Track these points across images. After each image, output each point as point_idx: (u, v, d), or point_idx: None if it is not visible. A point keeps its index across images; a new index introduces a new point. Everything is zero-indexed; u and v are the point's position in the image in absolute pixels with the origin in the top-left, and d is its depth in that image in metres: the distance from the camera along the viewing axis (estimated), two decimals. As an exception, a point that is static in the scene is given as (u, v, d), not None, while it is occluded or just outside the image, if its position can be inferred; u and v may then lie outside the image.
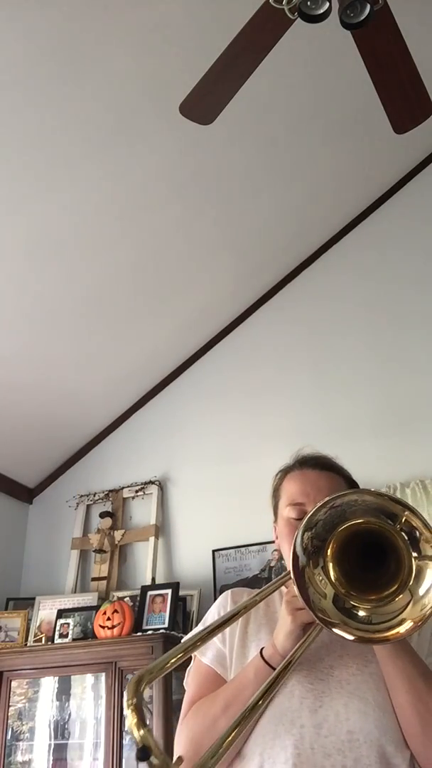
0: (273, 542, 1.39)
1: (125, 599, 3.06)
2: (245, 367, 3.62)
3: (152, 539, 3.33)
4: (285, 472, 1.26)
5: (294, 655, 1.04)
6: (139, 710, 0.71)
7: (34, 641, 3.06)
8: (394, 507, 0.94)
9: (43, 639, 3.04)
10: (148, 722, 2.49)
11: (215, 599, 1.28)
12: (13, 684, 2.94)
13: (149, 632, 2.83)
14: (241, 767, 1.04)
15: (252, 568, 3.08)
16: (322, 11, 1.65)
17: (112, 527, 3.47)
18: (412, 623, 0.90)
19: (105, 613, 2.90)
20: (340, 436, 3.00)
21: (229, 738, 0.89)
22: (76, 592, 3.35)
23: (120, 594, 3.17)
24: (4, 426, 3.37)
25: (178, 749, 1.08)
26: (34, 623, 3.15)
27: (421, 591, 0.91)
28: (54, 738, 2.83)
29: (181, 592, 3.04)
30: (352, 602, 0.95)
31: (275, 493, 1.27)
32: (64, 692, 2.91)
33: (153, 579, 3.20)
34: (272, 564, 3.03)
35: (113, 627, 2.84)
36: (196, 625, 1.27)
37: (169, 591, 2.98)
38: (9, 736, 2.85)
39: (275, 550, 2.98)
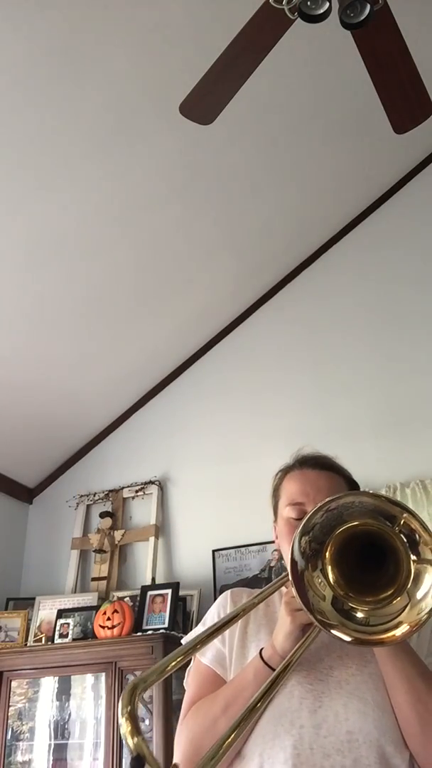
0: (273, 542, 1.39)
1: (125, 599, 3.06)
2: (245, 367, 3.62)
3: (152, 539, 3.33)
4: (285, 471, 1.26)
5: (293, 656, 1.03)
6: (133, 718, 0.71)
7: (34, 641, 3.06)
8: (392, 509, 0.94)
9: (43, 639, 3.04)
10: (148, 722, 2.48)
11: (215, 599, 1.28)
12: (13, 684, 2.94)
13: (149, 632, 2.83)
14: (241, 767, 1.04)
15: (252, 568, 3.08)
16: (322, 11, 1.65)
17: (112, 527, 3.48)
18: (408, 627, 0.90)
19: (105, 613, 2.90)
20: (340, 435, 3.00)
21: (229, 739, 0.89)
22: (76, 592, 3.35)
23: (120, 594, 3.17)
24: (4, 426, 3.37)
25: (178, 749, 1.08)
26: (34, 623, 3.15)
27: (419, 594, 0.90)
28: (54, 738, 2.83)
29: (181, 592, 3.04)
30: (350, 604, 0.95)
31: (275, 492, 1.27)
32: (64, 692, 2.91)
33: (153, 579, 3.20)
34: (272, 564, 3.03)
35: (113, 627, 2.84)
36: (196, 625, 1.27)
37: (169, 591, 2.98)
38: (9, 736, 2.85)
39: (275, 550, 2.98)
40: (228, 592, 1.26)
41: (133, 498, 3.54)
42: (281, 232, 3.51)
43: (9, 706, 2.89)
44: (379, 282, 3.50)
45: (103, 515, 3.50)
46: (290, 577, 0.94)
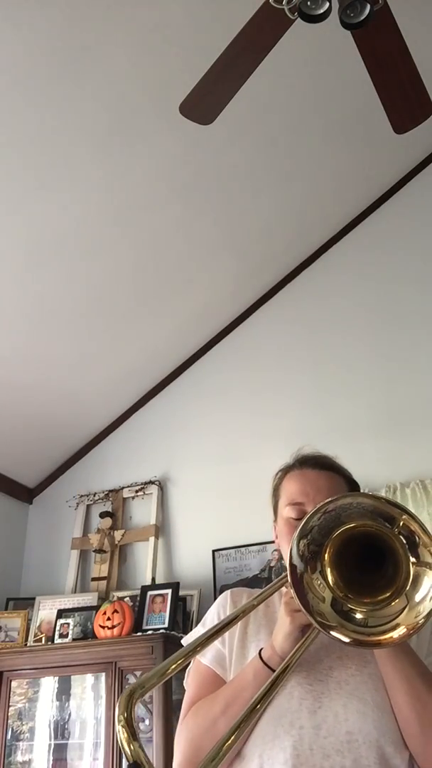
0: (273, 542, 1.39)
1: (125, 599, 3.06)
2: (245, 367, 3.62)
3: (152, 539, 3.33)
4: (285, 471, 1.26)
5: (293, 657, 1.03)
6: (130, 725, 0.71)
7: (34, 641, 3.06)
8: (391, 510, 0.93)
9: (43, 639, 3.04)
10: (148, 722, 2.47)
11: (215, 599, 1.28)
12: (13, 684, 2.94)
13: (149, 632, 2.83)
14: (241, 768, 1.04)
15: (252, 568, 3.08)
16: (322, 11, 1.65)
17: (112, 527, 3.47)
18: (405, 630, 0.90)
19: (105, 613, 2.90)
20: (340, 435, 2.99)
21: (229, 741, 0.89)
22: (76, 592, 3.35)
23: (120, 594, 3.17)
24: (4, 426, 3.37)
25: (178, 750, 1.08)
26: (34, 623, 3.15)
27: (417, 597, 0.90)
28: (54, 738, 2.83)
29: (181, 592, 3.04)
30: (350, 605, 0.94)
31: (275, 492, 1.27)
32: (64, 692, 2.91)
33: (153, 579, 3.20)
34: (272, 564, 3.03)
35: (113, 627, 2.84)
36: (196, 625, 1.27)
37: (169, 591, 2.98)
38: (9, 736, 2.85)
39: (275, 550, 2.98)
40: (228, 592, 1.26)
41: (133, 498, 3.54)
42: (281, 232, 3.50)
43: (9, 706, 2.89)
44: (379, 282, 3.50)
45: (103, 515, 3.50)
46: (289, 580, 0.94)
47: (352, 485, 1.25)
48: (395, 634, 0.90)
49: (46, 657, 2.91)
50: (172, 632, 2.80)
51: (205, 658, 1.17)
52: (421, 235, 3.50)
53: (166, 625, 2.85)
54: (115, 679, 2.73)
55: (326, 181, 3.38)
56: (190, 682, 1.18)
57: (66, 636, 2.95)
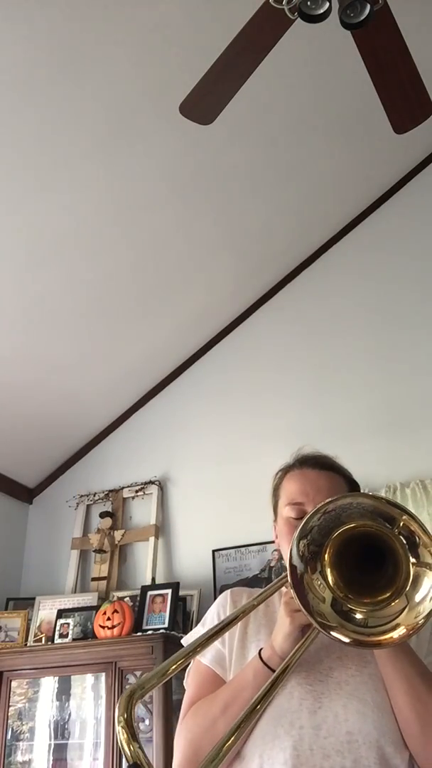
0: (273, 542, 1.39)
1: (125, 599, 3.06)
2: (245, 367, 3.62)
3: (152, 539, 3.33)
4: (285, 471, 1.26)
5: (293, 657, 1.03)
6: (130, 726, 0.71)
7: (34, 641, 3.06)
8: (391, 510, 0.93)
9: (43, 639, 3.04)
10: (148, 722, 2.47)
11: (215, 599, 1.28)
12: (13, 684, 2.94)
13: (149, 632, 2.83)
14: (241, 768, 1.04)
15: (252, 568, 3.08)
16: (322, 11, 1.65)
17: (112, 527, 3.47)
18: (405, 630, 0.90)
19: (105, 613, 2.90)
20: (340, 435, 2.99)
21: (229, 741, 0.89)
22: (76, 592, 3.35)
23: (120, 594, 3.17)
24: (4, 426, 3.37)
25: (177, 750, 1.08)
26: (34, 623, 3.15)
27: (417, 598, 0.90)
28: (54, 738, 2.83)
29: (181, 592, 3.04)
30: (350, 605, 0.94)
31: (275, 492, 1.26)
32: (64, 692, 2.91)
33: (153, 579, 3.20)
34: (272, 564, 3.03)
35: (113, 627, 2.84)
36: (196, 625, 1.27)
37: (169, 591, 2.98)
38: (9, 736, 2.85)
39: (275, 550, 2.98)
40: (228, 592, 1.25)
41: (133, 498, 3.54)
42: (281, 232, 3.50)
43: (9, 706, 2.89)
44: (379, 282, 3.50)
45: (103, 515, 3.50)
46: (289, 581, 0.94)
47: (352, 485, 1.25)
48: (395, 634, 0.90)
49: (46, 657, 2.91)
50: (172, 632, 2.80)
51: (205, 658, 1.17)
52: (421, 235, 3.50)
53: (166, 625, 2.85)
54: (115, 679, 2.73)
55: (326, 181, 3.38)
56: (189, 682, 1.18)
57: (66, 636, 2.95)
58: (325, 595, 0.95)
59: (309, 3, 1.65)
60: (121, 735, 0.70)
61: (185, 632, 2.68)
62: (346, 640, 0.92)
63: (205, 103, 1.99)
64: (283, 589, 1.12)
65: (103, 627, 2.87)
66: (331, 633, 0.92)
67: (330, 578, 0.96)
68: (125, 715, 0.72)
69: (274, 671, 1.03)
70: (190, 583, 3.12)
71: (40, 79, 2.27)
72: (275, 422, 3.32)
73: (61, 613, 3.09)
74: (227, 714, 1.03)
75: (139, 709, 2.67)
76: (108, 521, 3.48)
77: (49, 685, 2.95)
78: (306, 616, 0.94)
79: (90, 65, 2.33)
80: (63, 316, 3.11)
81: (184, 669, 1.20)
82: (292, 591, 0.94)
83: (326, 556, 0.96)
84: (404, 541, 0.92)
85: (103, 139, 2.56)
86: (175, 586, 3.01)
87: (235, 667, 1.13)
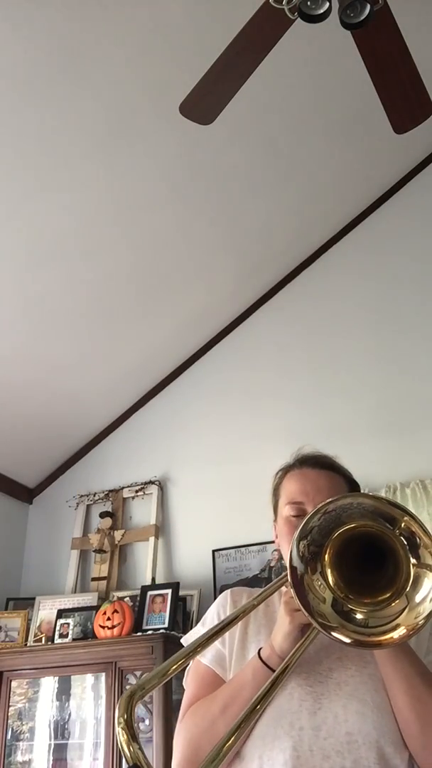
0: (273, 542, 1.39)
1: (125, 599, 3.06)
2: (245, 368, 3.62)
3: (152, 539, 3.33)
4: (285, 470, 1.26)
5: (293, 657, 1.03)
6: (130, 727, 0.71)
7: (34, 641, 3.06)
8: (392, 511, 0.93)
9: (43, 639, 3.04)
10: (147, 722, 2.47)
11: (215, 599, 1.28)
12: (13, 684, 2.94)
13: (149, 632, 2.83)
14: (240, 769, 1.03)
15: (252, 568, 3.08)
16: (322, 11, 1.65)
17: (112, 527, 3.47)
18: (405, 630, 0.90)
19: (105, 613, 2.90)
20: (340, 436, 2.99)
21: (229, 742, 0.89)
22: (76, 592, 3.35)
23: (120, 594, 3.17)
24: (4, 426, 3.37)
25: (177, 750, 1.08)
26: (34, 623, 3.15)
27: (418, 598, 0.90)
28: (54, 738, 2.83)
29: (181, 592, 3.04)
30: (350, 605, 0.94)
31: (275, 491, 1.26)
32: (64, 692, 2.91)
33: (153, 579, 3.20)
34: (272, 564, 3.03)
35: (113, 627, 2.84)
36: (196, 625, 1.27)
37: (169, 591, 2.98)
38: (9, 736, 2.85)
39: (275, 550, 2.98)
40: (228, 592, 1.25)
41: (133, 498, 3.54)
42: (281, 232, 3.50)
43: (9, 706, 2.89)
44: (379, 282, 3.50)
45: (103, 515, 3.50)
46: (290, 581, 0.94)
47: (353, 485, 1.25)
48: (395, 634, 0.90)
49: (46, 657, 2.91)
50: (172, 632, 2.80)
51: (205, 658, 1.17)
52: (421, 235, 3.50)
53: (166, 625, 2.85)
54: (115, 679, 2.73)
55: (326, 181, 3.38)
56: (189, 682, 1.18)
57: (66, 636, 2.95)
58: (326, 595, 0.95)
59: (309, 3, 1.65)
60: (121, 736, 0.70)
61: (185, 632, 2.67)
62: (347, 640, 0.92)
63: (205, 103, 1.99)
64: (283, 588, 1.12)
65: (103, 627, 2.87)
66: (332, 633, 0.92)
67: (330, 578, 0.96)
68: (125, 716, 0.72)
69: (273, 670, 1.03)
70: (190, 583, 3.12)
71: (40, 79, 2.27)
72: (275, 422, 3.32)
73: (61, 613, 3.09)
74: (227, 714, 1.02)
75: (139, 709, 2.67)
76: (108, 521, 3.48)
77: (49, 685, 2.95)
78: (306, 616, 0.94)
79: (90, 65, 2.33)
80: (63, 316, 3.10)
81: (185, 669, 1.20)
82: (292, 591, 0.94)
83: (326, 556, 0.96)
84: (405, 542, 0.92)
85: (103, 139, 2.56)
86: (175, 586, 3.01)
87: (235, 667, 1.13)
